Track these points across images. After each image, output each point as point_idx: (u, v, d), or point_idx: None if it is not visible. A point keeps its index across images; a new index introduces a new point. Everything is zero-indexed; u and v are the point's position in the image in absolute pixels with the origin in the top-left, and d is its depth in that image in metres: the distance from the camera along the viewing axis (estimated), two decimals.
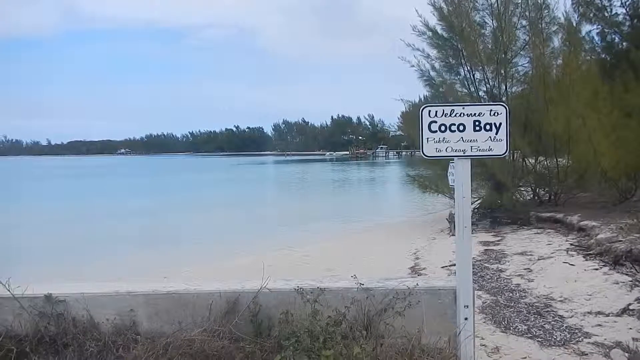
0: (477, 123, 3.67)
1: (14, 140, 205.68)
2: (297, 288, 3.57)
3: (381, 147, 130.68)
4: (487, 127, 3.67)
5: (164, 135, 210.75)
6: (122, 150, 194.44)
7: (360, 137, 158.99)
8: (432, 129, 3.69)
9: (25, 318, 3.84)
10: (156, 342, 3.61)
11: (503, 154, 3.74)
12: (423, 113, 3.69)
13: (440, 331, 3.65)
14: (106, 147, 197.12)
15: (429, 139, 3.69)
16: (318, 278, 4.10)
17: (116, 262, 9.87)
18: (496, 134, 3.66)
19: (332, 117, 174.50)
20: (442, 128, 3.68)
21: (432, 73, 14.78)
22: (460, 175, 3.73)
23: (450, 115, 3.69)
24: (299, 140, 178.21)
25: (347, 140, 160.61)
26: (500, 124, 3.66)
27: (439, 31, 14.39)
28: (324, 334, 3.12)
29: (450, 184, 4.09)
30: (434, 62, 14.74)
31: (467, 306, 3.66)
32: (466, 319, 3.65)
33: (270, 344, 3.52)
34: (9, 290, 3.78)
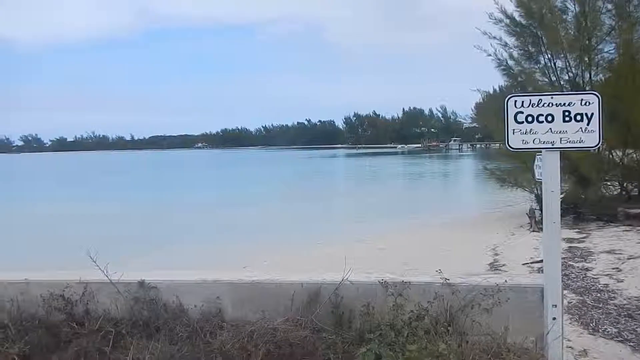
0: (566, 113, 3.49)
1: (100, 136, 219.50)
2: (381, 281, 3.57)
3: (454, 140, 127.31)
4: (578, 117, 3.48)
5: (238, 129, 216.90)
6: (200, 145, 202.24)
7: (432, 130, 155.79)
8: (519, 120, 3.54)
9: (121, 302, 4.11)
10: (241, 329, 3.75)
11: (595, 146, 3.54)
12: (509, 103, 3.56)
13: (526, 331, 3.52)
14: (185, 142, 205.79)
15: (514, 131, 3.55)
16: (397, 271, 4.08)
17: (201, 250, 10.32)
18: (587, 124, 3.46)
19: (403, 109, 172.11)
20: (529, 119, 3.53)
21: (510, 62, 14.19)
22: (548, 168, 3.56)
23: (537, 105, 3.53)
24: (370, 133, 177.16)
25: (418, 133, 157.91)
26: (592, 114, 3.45)
27: (517, 18, 13.78)
28: (407, 328, 3.11)
29: (537, 177, 3.90)
30: (512, 50, 14.15)
31: (556, 305, 3.50)
32: (554, 319, 3.49)
33: (351, 336, 3.55)
34: (107, 276, 4.06)
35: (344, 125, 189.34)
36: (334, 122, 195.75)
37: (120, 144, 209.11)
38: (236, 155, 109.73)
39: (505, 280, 3.60)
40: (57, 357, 3.63)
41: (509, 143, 3.59)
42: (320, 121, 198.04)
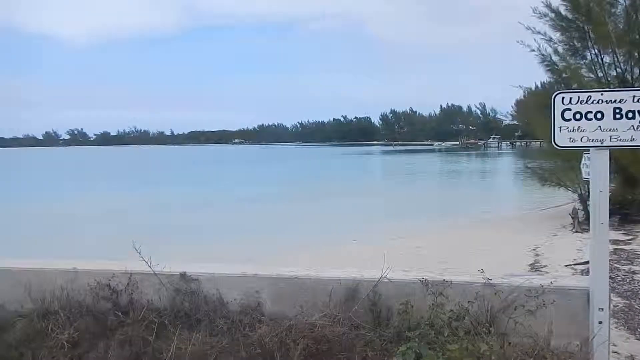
0: (617, 110, 3.38)
1: (142, 131, 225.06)
2: (421, 280, 3.54)
3: (493, 137, 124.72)
4: (630, 115, 3.36)
5: (274, 125, 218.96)
6: (237, 140, 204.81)
7: (470, 127, 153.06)
8: (566, 117, 3.45)
9: (163, 293, 4.21)
10: (280, 324, 3.79)
11: None
12: (556, 100, 3.46)
13: (571, 334, 3.42)
14: (222, 137, 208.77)
15: (562, 128, 3.46)
16: (434, 270, 4.04)
17: (240, 244, 10.49)
18: None
19: (440, 106, 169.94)
20: (577, 116, 3.43)
21: (555, 57, 13.77)
22: (597, 167, 3.45)
23: (586, 102, 3.42)
24: (406, 130, 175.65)
25: (456, 130, 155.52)
26: None
27: (563, 12, 13.34)
28: (447, 327, 3.08)
29: (584, 176, 3.81)
30: (556, 45, 13.72)
31: (602, 309, 3.39)
32: (600, 322, 3.39)
33: (389, 334, 3.54)
34: (150, 267, 4.16)
35: (380, 122, 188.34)
36: (370, 118, 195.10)
37: (161, 139, 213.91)
38: (274, 151, 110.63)
39: (551, 282, 3.51)
40: (104, 344, 3.76)
41: (556, 141, 3.50)
42: (356, 117, 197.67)
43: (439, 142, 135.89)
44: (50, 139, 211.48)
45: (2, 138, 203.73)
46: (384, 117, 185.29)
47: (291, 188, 28.05)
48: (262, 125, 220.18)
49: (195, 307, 4.07)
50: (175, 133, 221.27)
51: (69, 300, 4.19)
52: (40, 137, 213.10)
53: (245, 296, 4.07)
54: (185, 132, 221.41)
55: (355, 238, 11.71)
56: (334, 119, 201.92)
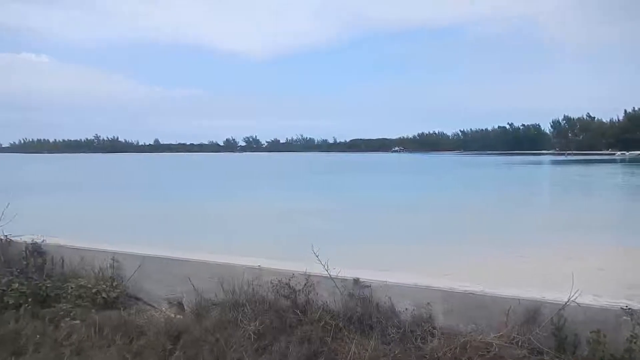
0: None
1: (307, 138, 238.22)
2: (625, 307, 3.20)
3: None
4: None
5: (435, 133, 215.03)
6: (396, 148, 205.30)
7: None
8: None
9: (337, 297, 4.41)
10: (452, 339, 3.72)
11: None
12: None
13: None
14: (382, 145, 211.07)
15: None
16: (619, 296, 3.62)
17: (411, 254, 10.50)
18: None
19: (625, 110, 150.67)
20: None
21: None
22: None
23: None
24: (582, 138, 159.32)
25: None
26: None
27: None
28: None
29: None
30: None
31: None
32: None
33: None
34: (327, 271, 4.39)
35: (551, 130, 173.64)
36: (539, 125, 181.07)
37: (324, 146, 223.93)
38: (434, 160, 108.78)
39: None
40: (285, 339, 4.05)
41: None
42: (523, 125, 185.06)
43: (622, 152, 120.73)
44: (230, 146, 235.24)
45: (192, 144, 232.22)
46: (555, 124, 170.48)
47: (453, 196, 27.26)
48: (422, 133, 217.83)
49: (367, 313, 4.19)
50: (338, 141, 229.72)
51: (254, 294, 4.61)
52: (221, 144, 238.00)
53: (417, 307, 4.07)
54: (347, 140, 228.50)
55: (524, 254, 10.96)
56: (498, 127, 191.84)
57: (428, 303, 4.04)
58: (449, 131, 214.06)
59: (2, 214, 6.20)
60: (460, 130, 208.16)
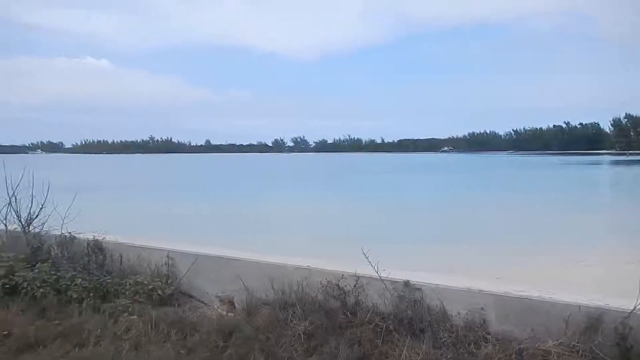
0: None
1: (355, 138, 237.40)
2: None
3: None
4: None
5: (486, 133, 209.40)
6: (445, 148, 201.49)
7: None
8: None
9: (387, 299, 4.36)
10: (507, 345, 3.61)
11: None
12: None
13: None
14: (431, 145, 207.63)
15: None
16: None
17: (461, 255, 10.27)
18: None
19: None
20: None
21: None
22: None
23: None
24: None
25: None
26: None
27: None
28: None
29: None
30: None
31: None
32: None
33: None
34: (377, 272, 4.36)
35: (612, 128, 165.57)
36: (598, 124, 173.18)
37: (372, 146, 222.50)
38: (486, 160, 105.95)
39: None
40: (334, 340, 4.04)
41: None
42: (580, 124, 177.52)
43: None
44: (278, 146, 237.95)
45: (241, 145, 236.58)
46: (616, 123, 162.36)
47: (510, 199, 26.47)
48: (473, 132, 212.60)
49: (417, 316, 4.12)
50: (386, 141, 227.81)
51: (303, 295, 4.64)
52: (270, 144, 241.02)
53: (470, 311, 3.98)
54: (395, 140, 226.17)
55: (585, 258, 10.49)
56: (554, 126, 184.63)
57: (482, 307, 3.94)
58: (501, 130, 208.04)
59: (66, 212, 6.52)
60: (513, 130, 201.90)
